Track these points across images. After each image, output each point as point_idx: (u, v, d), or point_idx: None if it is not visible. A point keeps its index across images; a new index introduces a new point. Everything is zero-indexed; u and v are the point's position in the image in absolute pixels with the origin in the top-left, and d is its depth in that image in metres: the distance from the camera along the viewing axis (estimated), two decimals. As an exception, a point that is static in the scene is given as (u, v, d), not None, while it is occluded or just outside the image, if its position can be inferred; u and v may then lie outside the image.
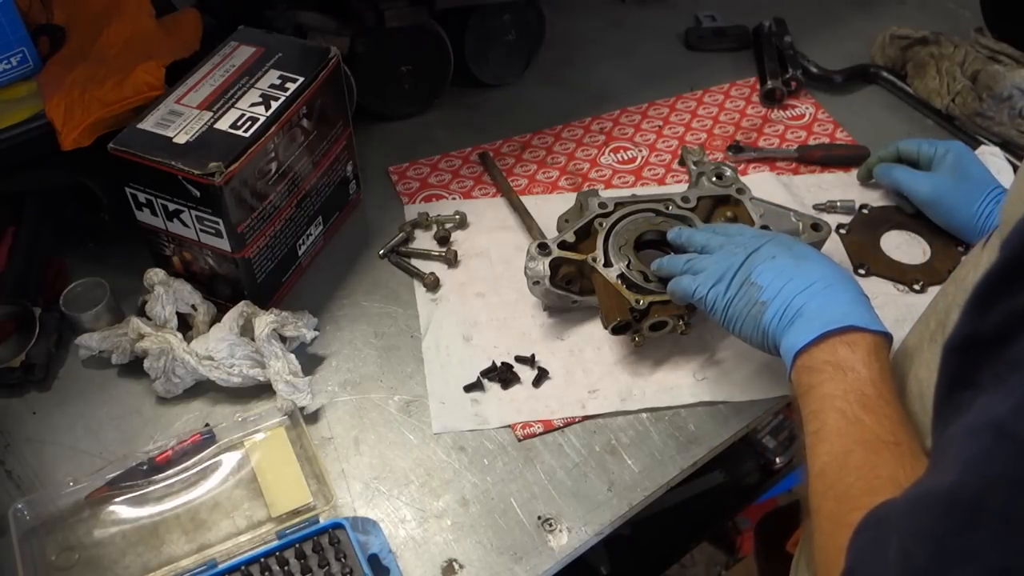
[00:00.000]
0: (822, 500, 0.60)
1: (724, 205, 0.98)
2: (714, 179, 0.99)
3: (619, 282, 0.88)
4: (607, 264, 0.90)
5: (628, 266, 0.90)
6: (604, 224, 0.93)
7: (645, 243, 0.94)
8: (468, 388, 0.89)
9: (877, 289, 1.00)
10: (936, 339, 0.63)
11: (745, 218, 0.95)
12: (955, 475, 0.43)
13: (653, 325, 0.88)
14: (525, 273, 0.91)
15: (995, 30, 1.27)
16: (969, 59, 1.20)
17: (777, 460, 1.56)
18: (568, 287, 0.92)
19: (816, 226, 0.96)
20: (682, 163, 1.08)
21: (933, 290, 0.99)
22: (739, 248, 0.80)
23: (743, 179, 0.99)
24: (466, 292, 0.99)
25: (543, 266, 0.90)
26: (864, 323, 0.68)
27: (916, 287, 0.99)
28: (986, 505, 0.41)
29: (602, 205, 0.95)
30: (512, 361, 0.91)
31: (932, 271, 1.01)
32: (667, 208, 0.95)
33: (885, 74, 1.30)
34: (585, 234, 0.93)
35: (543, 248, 0.91)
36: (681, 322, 0.88)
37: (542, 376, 0.90)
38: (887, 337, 0.69)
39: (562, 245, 0.91)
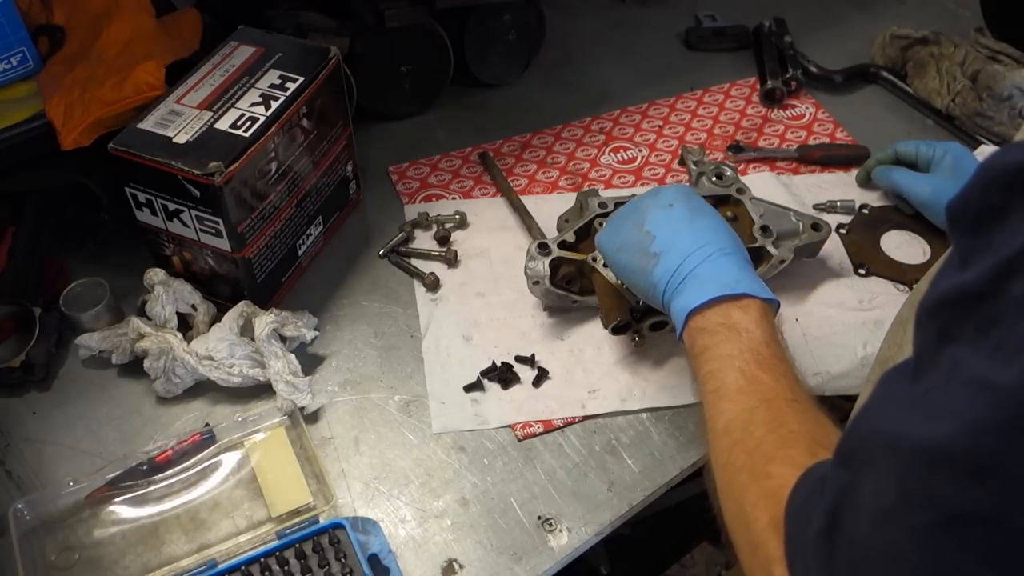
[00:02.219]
0: (730, 455, 0.62)
1: (724, 205, 0.98)
2: (714, 179, 0.99)
3: (619, 282, 0.88)
4: (607, 264, 0.90)
5: None
6: (604, 224, 0.93)
7: None
8: (468, 388, 0.89)
9: (877, 289, 1.00)
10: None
11: (745, 218, 0.95)
12: (942, 429, 0.41)
13: (653, 325, 0.88)
14: (525, 273, 0.91)
15: (995, 30, 1.27)
16: (969, 59, 1.20)
17: (777, 460, 1.56)
18: (568, 287, 0.92)
19: (816, 226, 0.96)
20: (682, 163, 1.08)
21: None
22: (641, 195, 0.81)
23: (743, 179, 0.99)
24: (466, 292, 0.99)
25: (543, 266, 0.90)
26: (754, 291, 0.71)
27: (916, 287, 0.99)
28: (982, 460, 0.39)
29: (602, 205, 0.95)
30: (512, 361, 0.91)
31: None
32: None
33: (885, 74, 1.30)
34: (585, 234, 0.93)
35: (543, 248, 0.91)
36: None
37: (542, 376, 0.90)
38: (775, 304, 0.72)
39: (562, 245, 0.91)
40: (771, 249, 0.92)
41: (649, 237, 0.76)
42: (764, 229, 0.93)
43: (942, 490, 0.40)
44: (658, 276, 0.75)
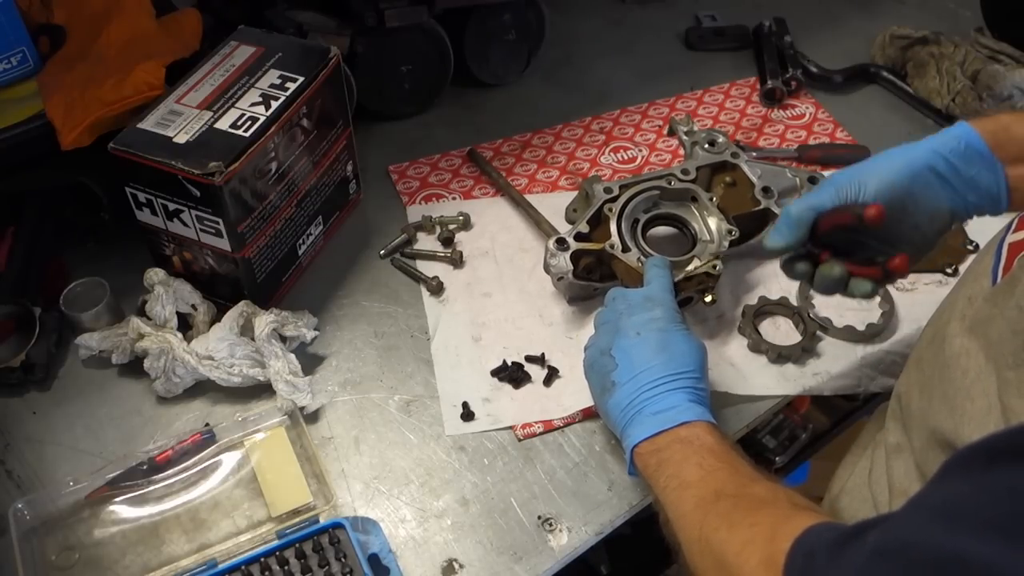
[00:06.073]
0: (703, 526, 0.64)
1: (721, 172, 0.98)
2: (707, 146, 0.99)
3: (640, 264, 0.88)
4: (625, 249, 0.90)
5: (641, 246, 0.91)
6: (614, 209, 0.93)
7: (655, 219, 0.95)
8: (493, 373, 0.89)
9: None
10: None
11: (744, 181, 0.95)
12: None
13: (680, 302, 0.88)
14: (547, 271, 0.91)
15: (995, 30, 1.27)
16: (969, 59, 1.20)
17: (777, 460, 1.56)
18: (589, 276, 0.93)
19: (812, 179, 0.98)
20: (671, 133, 1.07)
21: (931, 283, 0.99)
22: (623, 307, 0.81)
23: (743, 178, 1.00)
24: (473, 292, 0.99)
25: (564, 261, 0.90)
26: (696, 417, 0.73)
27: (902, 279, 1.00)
28: None
29: (607, 190, 0.94)
30: (522, 360, 0.91)
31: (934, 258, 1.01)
32: (669, 183, 0.95)
33: (885, 74, 1.29)
34: (596, 221, 0.93)
35: (561, 243, 0.91)
36: (706, 294, 0.89)
37: (552, 375, 0.90)
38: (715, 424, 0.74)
39: (578, 237, 0.91)
40: (775, 209, 0.93)
41: (612, 364, 0.77)
42: (765, 190, 0.94)
43: None
44: (611, 407, 0.76)
